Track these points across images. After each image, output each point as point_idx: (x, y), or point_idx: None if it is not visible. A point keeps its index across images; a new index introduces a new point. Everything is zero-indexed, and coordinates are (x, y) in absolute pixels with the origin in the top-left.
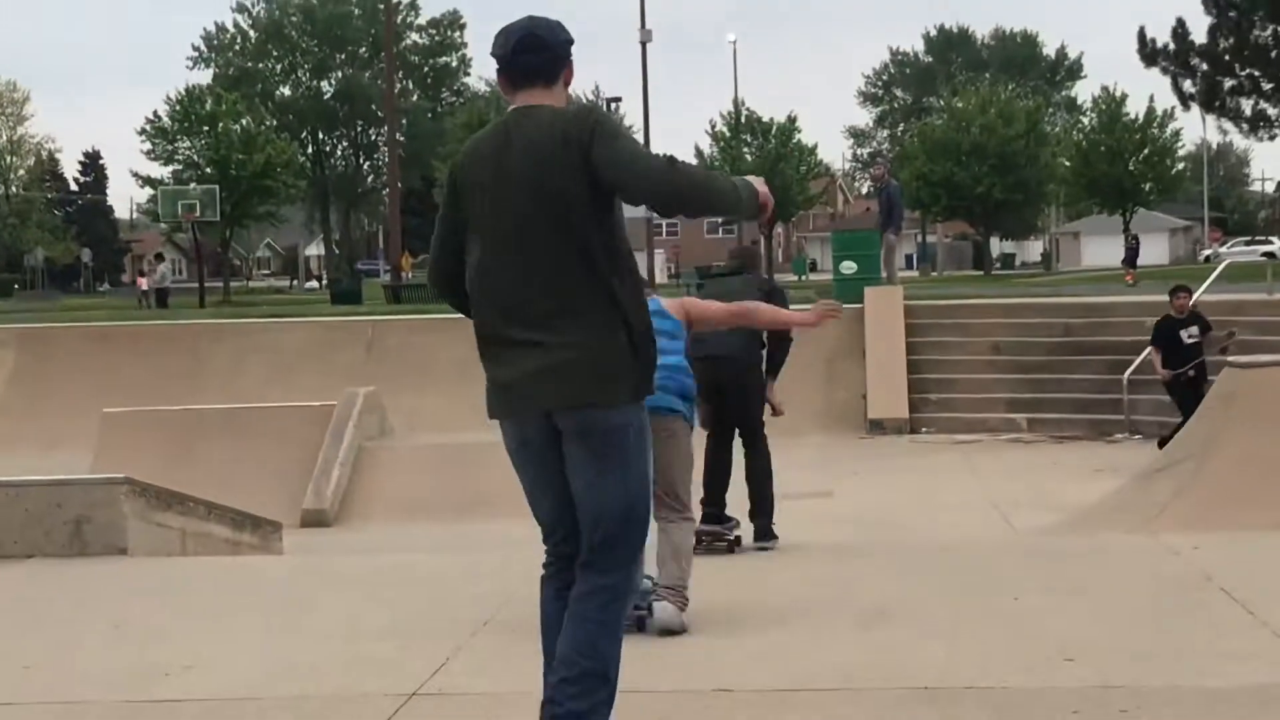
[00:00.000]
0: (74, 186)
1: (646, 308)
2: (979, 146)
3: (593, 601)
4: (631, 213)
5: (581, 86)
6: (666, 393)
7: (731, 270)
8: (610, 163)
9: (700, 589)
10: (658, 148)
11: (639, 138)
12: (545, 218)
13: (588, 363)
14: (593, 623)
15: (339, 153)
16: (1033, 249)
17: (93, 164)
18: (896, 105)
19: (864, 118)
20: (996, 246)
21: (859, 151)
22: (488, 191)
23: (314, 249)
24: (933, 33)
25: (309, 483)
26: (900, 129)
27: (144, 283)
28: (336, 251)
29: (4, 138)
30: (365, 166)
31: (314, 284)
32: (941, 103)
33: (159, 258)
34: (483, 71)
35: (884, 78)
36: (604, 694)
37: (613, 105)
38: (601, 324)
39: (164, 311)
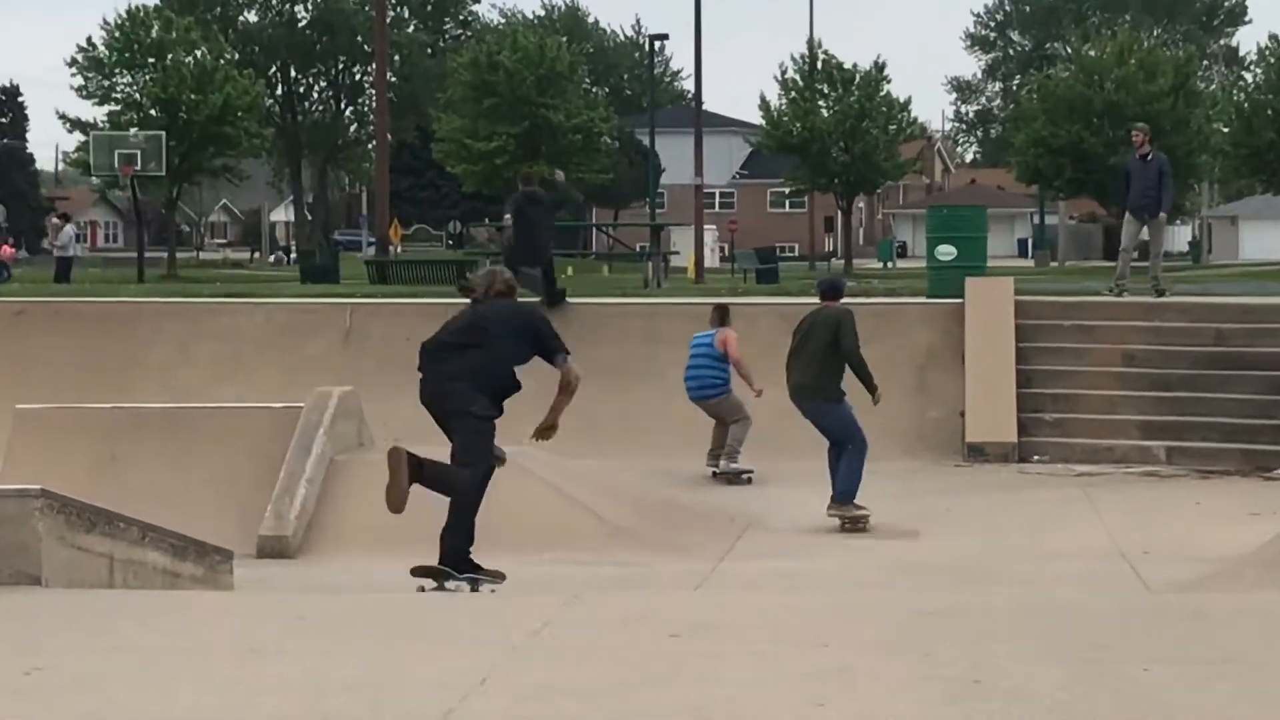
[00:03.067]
0: None
1: None
2: (1114, 106)
3: None
4: (681, 179)
5: (621, 21)
6: None
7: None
8: None
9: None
10: (711, 98)
11: (690, 84)
12: None
13: None
14: None
15: (315, 95)
16: (1179, 236)
17: (9, 102)
18: (1012, 52)
19: (970, 67)
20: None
21: (963, 109)
22: None
23: (281, 214)
24: None
25: (268, 503)
26: (1015, 81)
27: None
28: (309, 218)
29: None
30: (348, 113)
31: (280, 256)
32: (1068, 50)
33: (64, 218)
34: None
35: (997, 17)
36: None
37: (658, 44)
38: None
39: (68, 286)
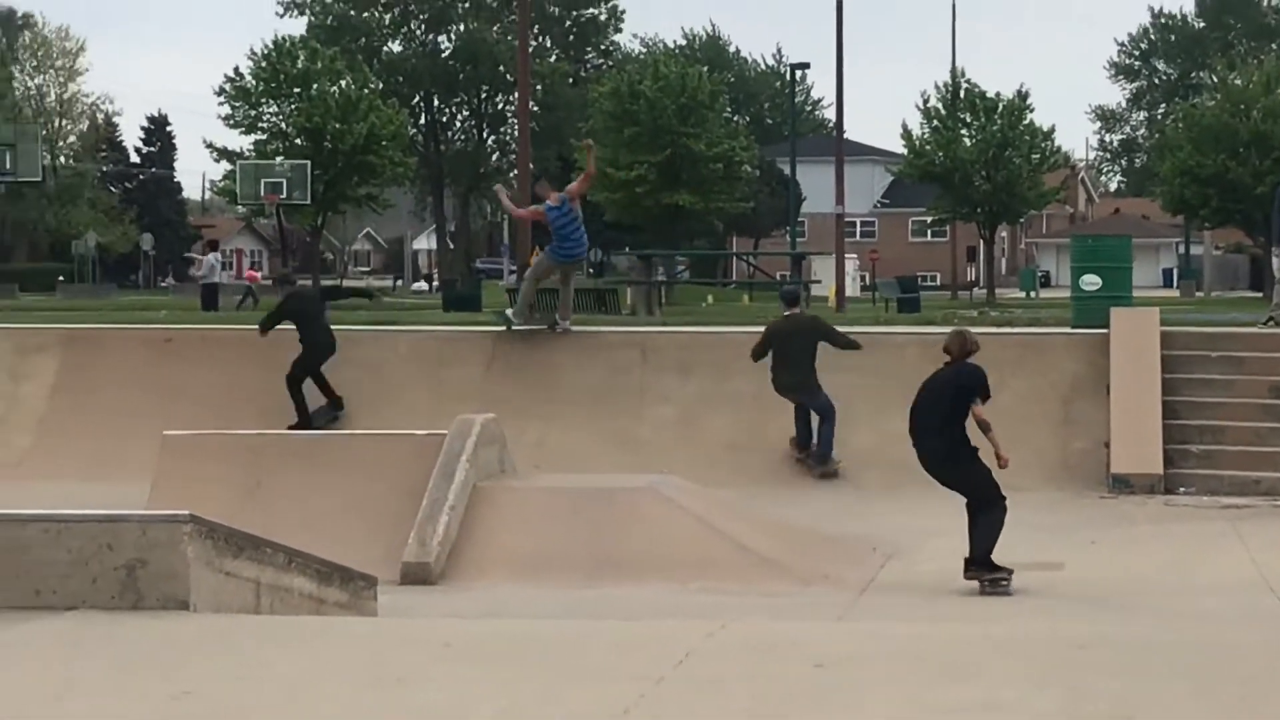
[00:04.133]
0: (135, 158)
1: None
2: (1262, 136)
3: None
4: (822, 208)
5: (762, 50)
6: None
7: None
8: None
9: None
10: (852, 127)
11: (831, 113)
12: None
13: None
14: None
15: (458, 124)
16: None
17: (158, 131)
18: (1157, 81)
19: (1115, 95)
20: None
21: (1107, 138)
22: None
23: (424, 242)
24: None
25: (411, 530)
26: (1161, 110)
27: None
28: (451, 246)
29: (52, 96)
30: (490, 142)
31: (423, 285)
32: (1214, 79)
33: (211, 245)
34: (638, 28)
35: (1142, 46)
36: None
37: (799, 73)
38: None
39: (218, 314)
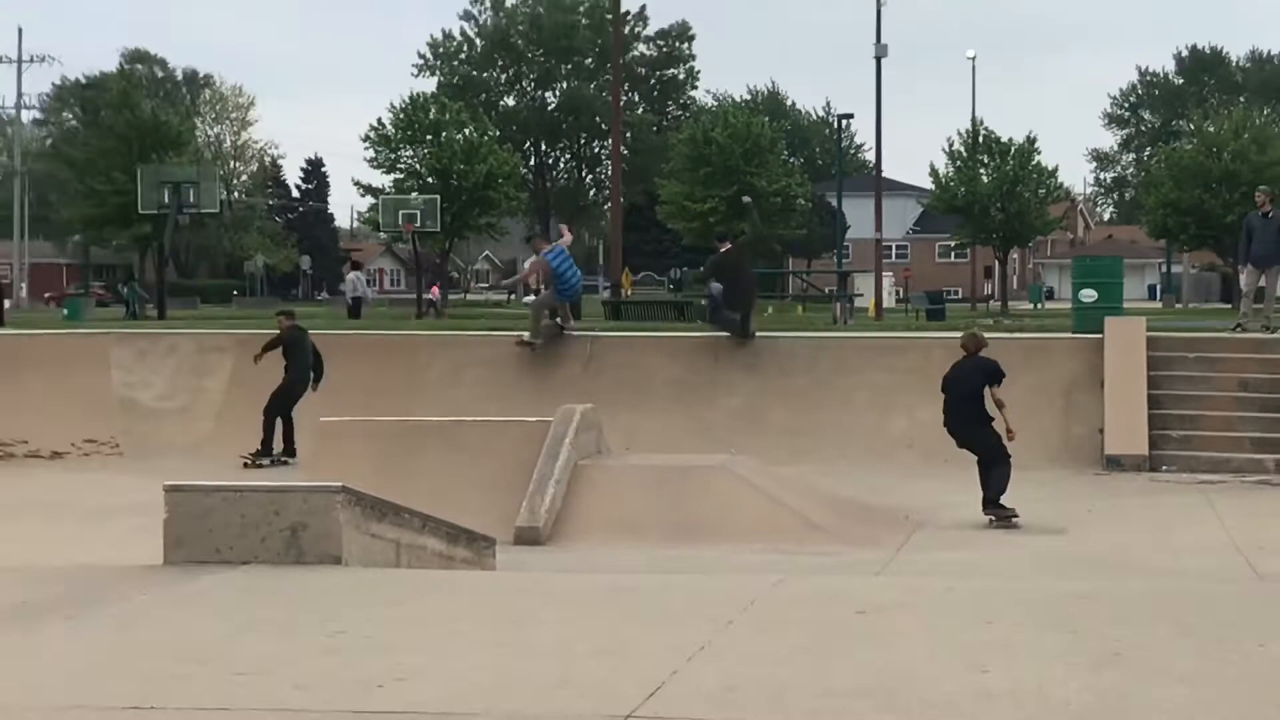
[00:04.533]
0: (295, 193)
1: None
2: (1231, 174)
3: None
4: (863, 234)
5: (813, 103)
6: None
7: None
8: None
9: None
10: (889, 166)
11: (870, 155)
12: None
13: None
14: None
15: (561, 165)
16: None
17: (314, 171)
18: (1143, 128)
19: (1108, 140)
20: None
21: (1102, 176)
22: None
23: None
24: (1184, 53)
25: (523, 499)
26: (1146, 153)
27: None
28: None
29: (228, 142)
30: (587, 180)
31: (532, 298)
32: (1191, 127)
33: (356, 266)
34: (710, 85)
35: (1131, 99)
36: None
37: (843, 122)
38: None
39: (360, 322)
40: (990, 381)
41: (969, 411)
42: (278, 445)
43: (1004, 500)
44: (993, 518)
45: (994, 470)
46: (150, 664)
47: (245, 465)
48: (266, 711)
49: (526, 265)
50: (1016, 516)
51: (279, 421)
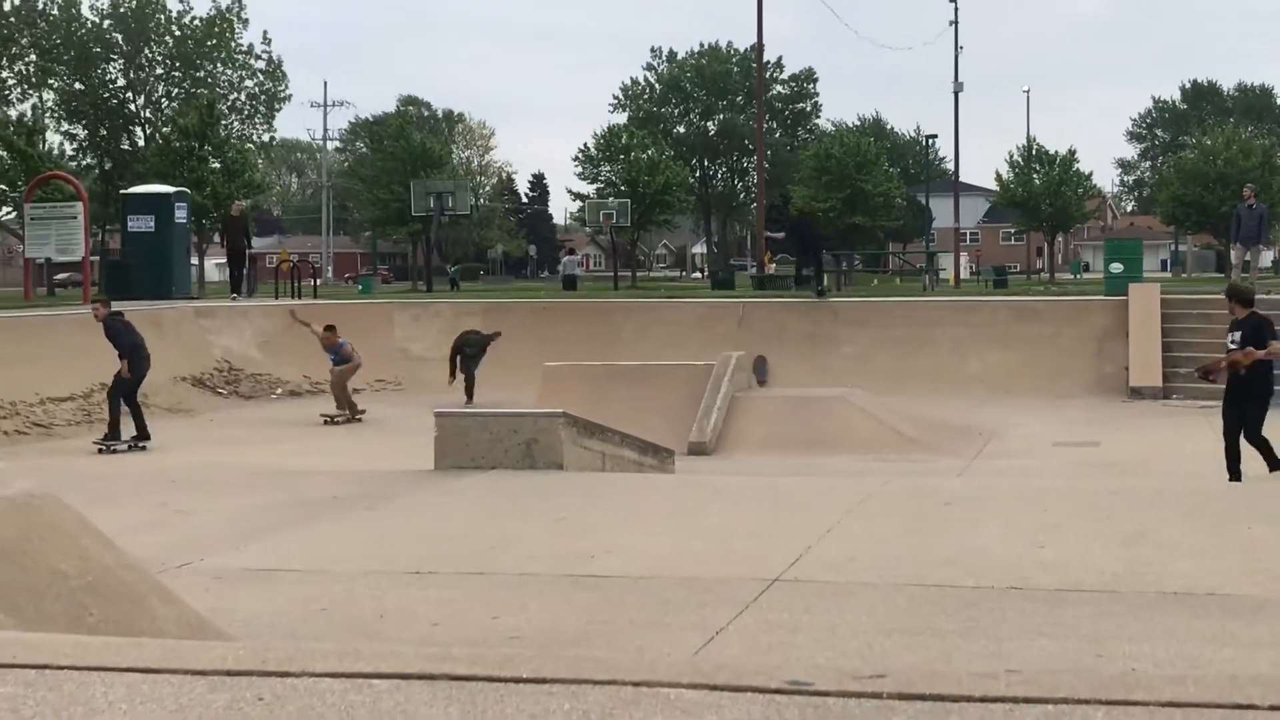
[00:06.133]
0: (524, 200)
1: None
2: (1224, 176)
3: None
4: (945, 224)
5: (905, 126)
6: None
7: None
8: None
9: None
10: (964, 172)
11: (950, 164)
12: None
13: None
14: None
15: (719, 176)
16: (1267, 256)
17: (539, 183)
18: (1156, 143)
19: (1130, 151)
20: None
21: (1125, 178)
22: None
23: (698, 248)
24: (1187, 85)
25: (694, 421)
26: (1159, 161)
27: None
28: (715, 250)
29: (475, 163)
30: (738, 186)
31: (698, 275)
32: (1194, 141)
33: (569, 251)
34: (830, 114)
35: (1147, 120)
36: None
37: (930, 140)
38: None
39: (573, 293)
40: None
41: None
42: (129, 430)
43: (1046, 421)
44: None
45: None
46: (426, 540)
47: (99, 451)
48: (510, 575)
49: None
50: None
51: (124, 405)
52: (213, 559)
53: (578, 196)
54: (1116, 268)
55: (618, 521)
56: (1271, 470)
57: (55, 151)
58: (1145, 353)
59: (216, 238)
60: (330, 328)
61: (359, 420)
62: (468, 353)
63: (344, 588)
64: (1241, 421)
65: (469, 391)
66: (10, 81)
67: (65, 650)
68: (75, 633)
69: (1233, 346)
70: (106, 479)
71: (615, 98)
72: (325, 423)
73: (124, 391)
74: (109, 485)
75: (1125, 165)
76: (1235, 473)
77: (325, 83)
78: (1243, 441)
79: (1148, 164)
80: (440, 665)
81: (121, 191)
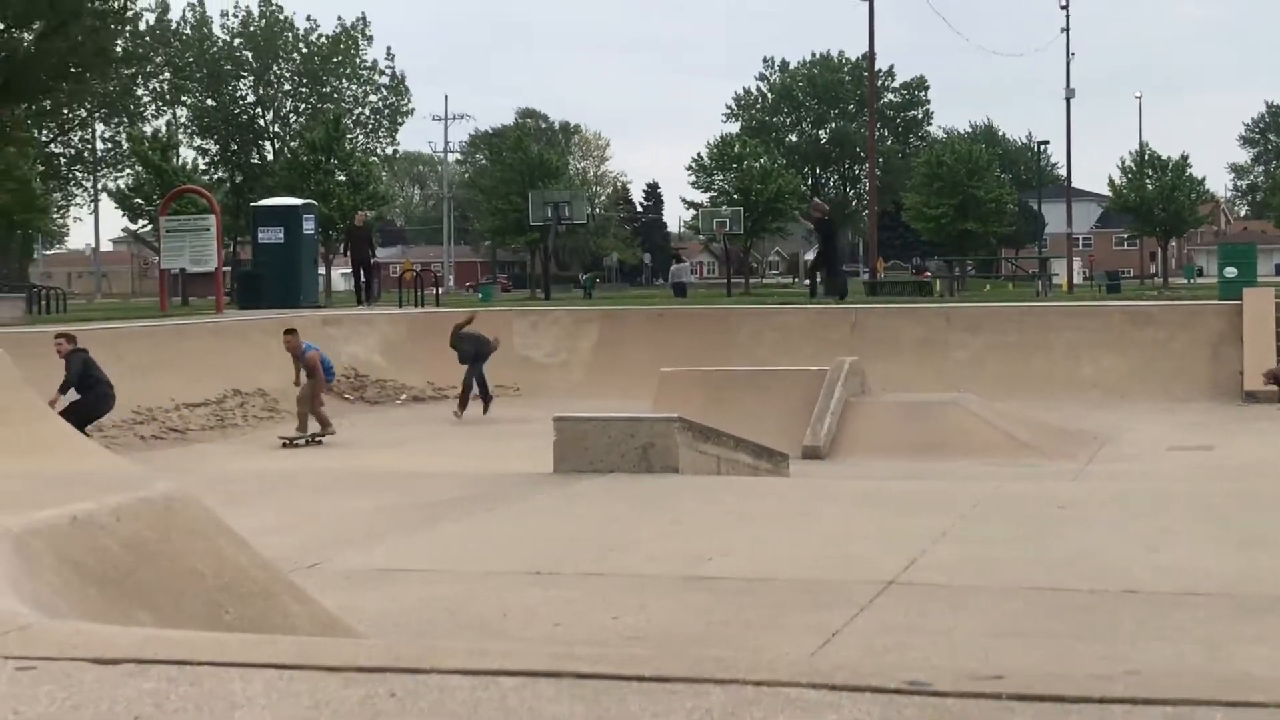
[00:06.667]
0: (639, 208)
1: None
2: None
3: None
4: (1058, 229)
5: (1017, 132)
6: None
7: None
8: None
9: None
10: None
11: (1062, 170)
12: None
13: None
14: None
15: (830, 184)
16: None
17: (653, 192)
18: (1269, 147)
19: (1243, 156)
20: None
21: (1238, 183)
22: None
23: (810, 254)
24: None
25: (808, 426)
26: (1273, 165)
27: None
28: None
29: (591, 173)
30: (850, 194)
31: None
32: None
33: (676, 259)
34: (941, 121)
35: (1260, 125)
36: None
37: (1041, 146)
38: None
39: (685, 300)
40: None
41: None
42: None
43: (1161, 425)
44: None
45: None
46: (546, 541)
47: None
48: (629, 576)
49: None
50: None
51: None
52: (341, 559)
53: (691, 205)
54: (1230, 272)
55: (733, 524)
56: None
57: (189, 166)
58: (1260, 357)
59: (342, 248)
60: (290, 331)
61: (320, 443)
62: (464, 349)
63: (466, 587)
64: None
65: (463, 401)
66: (146, 99)
67: (204, 647)
68: (212, 630)
69: None
70: (238, 482)
71: (728, 107)
72: (283, 445)
73: (75, 423)
74: (241, 488)
75: (1238, 170)
76: None
77: (446, 97)
78: None
79: (1261, 168)
80: (565, 664)
81: (251, 204)
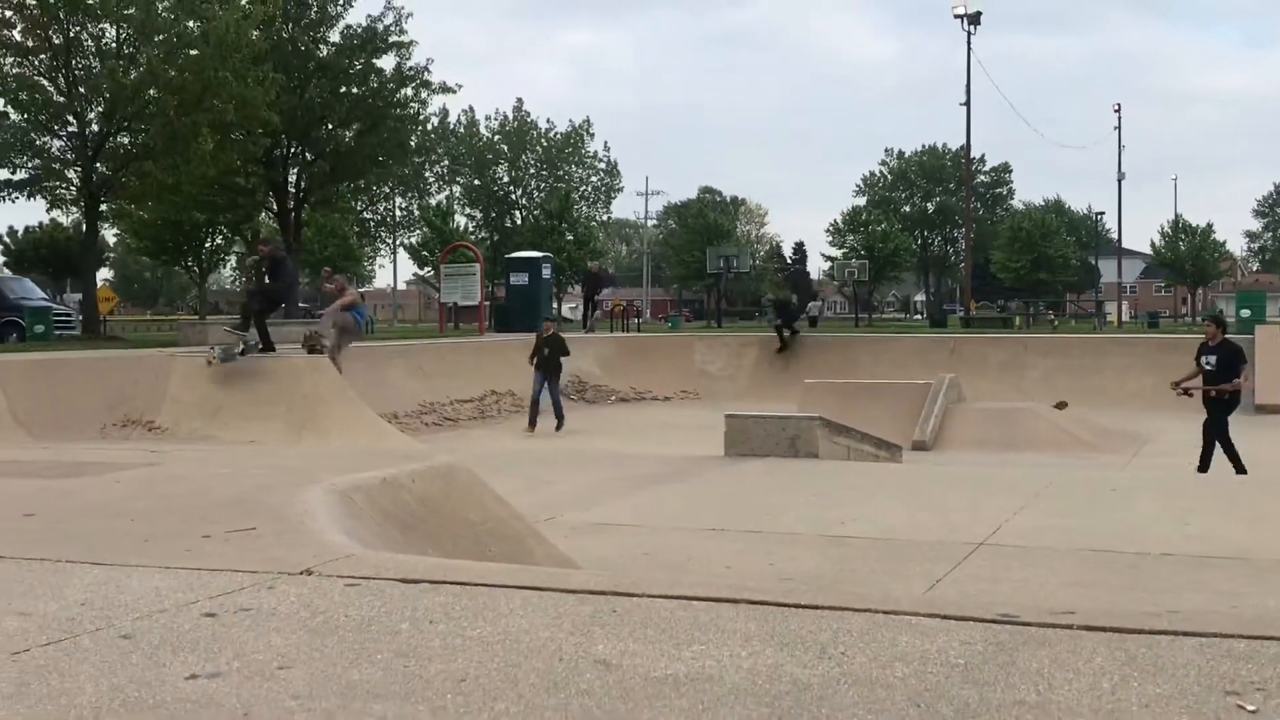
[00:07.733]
0: (789, 261)
1: None
2: None
3: None
4: (1109, 279)
5: (1079, 205)
6: None
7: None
8: None
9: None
10: (1126, 239)
11: (1113, 236)
12: None
13: None
14: None
15: (934, 243)
16: None
17: (799, 249)
18: (1277, 217)
19: (1256, 224)
20: None
21: (1252, 245)
22: None
23: (919, 296)
24: None
25: (916, 425)
26: (1278, 230)
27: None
28: (932, 298)
29: (753, 234)
30: (949, 251)
31: (918, 316)
32: None
33: (813, 297)
34: (1022, 196)
35: (1270, 200)
36: None
37: (1098, 215)
38: None
39: (814, 331)
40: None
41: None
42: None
43: (1190, 429)
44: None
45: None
46: (719, 506)
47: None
48: (782, 534)
49: None
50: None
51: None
52: (569, 515)
53: (829, 259)
54: (1246, 313)
55: (860, 497)
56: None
57: (461, 228)
58: (1270, 377)
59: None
60: (328, 272)
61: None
62: (545, 355)
63: (660, 538)
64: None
65: (533, 420)
66: (431, 180)
67: (477, 573)
68: (481, 561)
69: (1208, 367)
70: (494, 456)
71: (857, 185)
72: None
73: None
74: (496, 461)
75: (1252, 235)
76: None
77: (646, 178)
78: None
79: (1270, 234)
80: (740, 593)
81: (505, 256)
